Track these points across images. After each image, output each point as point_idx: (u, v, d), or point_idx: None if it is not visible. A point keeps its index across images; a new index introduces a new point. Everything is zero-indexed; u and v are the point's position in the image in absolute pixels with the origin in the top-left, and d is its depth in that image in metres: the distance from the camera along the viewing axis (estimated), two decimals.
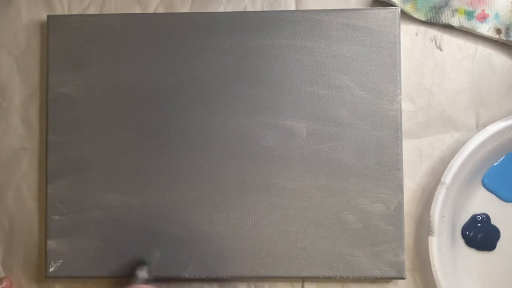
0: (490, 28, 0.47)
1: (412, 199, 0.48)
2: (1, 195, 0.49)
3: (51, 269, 0.47)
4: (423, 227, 0.47)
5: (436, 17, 0.48)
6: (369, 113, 0.47)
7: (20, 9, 0.50)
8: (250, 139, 0.47)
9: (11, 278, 0.48)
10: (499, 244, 0.47)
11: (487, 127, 0.45)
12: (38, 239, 0.49)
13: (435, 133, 0.48)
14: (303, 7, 0.49)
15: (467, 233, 0.47)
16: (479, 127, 0.48)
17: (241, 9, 0.50)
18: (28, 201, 0.49)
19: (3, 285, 0.47)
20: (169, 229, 0.47)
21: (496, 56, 0.48)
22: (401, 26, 0.48)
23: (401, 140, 0.47)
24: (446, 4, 0.47)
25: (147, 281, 0.45)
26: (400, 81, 0.47)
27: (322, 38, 0.47)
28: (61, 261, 0.47)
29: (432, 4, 0.48)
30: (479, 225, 0.47)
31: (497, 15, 0.47)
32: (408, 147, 0.48)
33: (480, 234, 0.47)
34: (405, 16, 0.48)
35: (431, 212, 0.45)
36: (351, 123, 0.47)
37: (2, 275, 0.49)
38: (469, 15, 0.47)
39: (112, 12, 0.50)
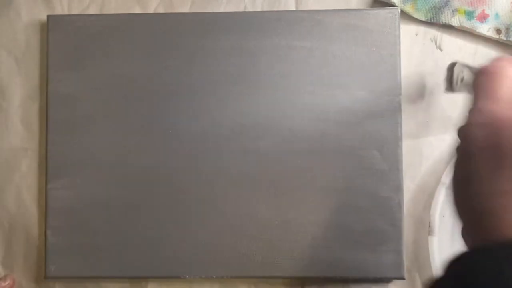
0: (490, 28, 0.47)
1: (412, 199, 0.48)
2: (1, 195, 0.49)
3: (50, 269, 0.47)
4: (423, 227, 0.47)
5: (436, 17, 0.48)
6: (369, 113, 0.47)
7: (20, 9, 0.50)
8: (250, 139, 0.47)
9: (13, 277, 0.48)
10: None
11: None
12: (38, 239, 0.49)
13: (435, 133, 0.48)
14: (303, 7, 0.49)
15: None
16: None
17: (241, 9, 0.50)
18: (28, 201, 0.49)
19: (6, 283, 0.47)
20: (169, 229, 0.47)
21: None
22: (401, 26, 0.48)
23: (401, 140, 0.47)
24: (446, 4, 0.47)
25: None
26: (400, 81, 0.47)
27: (322, 38, 0.47)
28: (61, 261, 0.47)
29: (432, 4, 0.48)
30: None
31: (497, 15, 0.47)
32: (408, 147, 0.48)
33: None
34: (405, 16, 0.48)
35: (431, 212, 0.45)
36: (351, 123, 0.47)
37: (2, 275, 0.49)
38: (469, 15, 0.47)
39: (112, 12, 0.50)
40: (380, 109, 0.47)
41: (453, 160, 0.32)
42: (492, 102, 0.31)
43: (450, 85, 0.42)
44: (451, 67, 0.43)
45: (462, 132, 0.31)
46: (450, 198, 0.32)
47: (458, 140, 0.32)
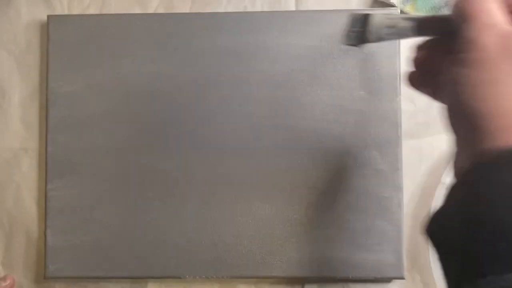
0: None
1: (412, 199, 0.48)
2: (1, 195, 0.49)
3: (50, 269, 0.47)
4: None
5: None
6: (369, 113, 0.47)
7: (20, 9, 0.50)
8: (250, 139, 0.47)
9: (13, 276, 0.48)
10: None
11: None
12: (37, 239, 0.49)
13: (435, 133, 0.48)
14: (303, 7, 0.49)
15: None
16: None
17: (241, 9, 0.50)
18: (28, 201, 0.49)
19: (7, 283, 0.47)
20: (170, 229, 0.47)
21: None
22: None
23: (401, 140, 0.47)
24: (446, 4, 0.48)
25: None
26: (400, 81, 0.47)
27: (322, 38, 0.47)
28: (61, 261, 0.47)
29: (432, 4, 0.48)
30: None
31: None
32: (408, 147, 0.48)
33: None
34: None
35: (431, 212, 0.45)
36: (351, 123, 0.47)
37: (2, 275, 0.49)
38: None
39: (112, 12, 0.50)
40: (380, 109, 0.47)
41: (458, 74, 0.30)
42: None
43: (362, 36, 0.38)
44: (362, 18, 0.38)
45: (470, 40, 0.30)
46: (445, 114, 0.31)
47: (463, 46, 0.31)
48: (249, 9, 0.50)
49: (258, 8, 0.50)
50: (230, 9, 0.50)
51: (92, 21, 0.48)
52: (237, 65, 0.47)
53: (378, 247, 0.46)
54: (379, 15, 0.37)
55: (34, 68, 0.50)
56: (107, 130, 0.48)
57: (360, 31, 0.38)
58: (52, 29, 0.48)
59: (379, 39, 0.37)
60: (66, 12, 0.50)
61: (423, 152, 0.48)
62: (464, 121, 0.30)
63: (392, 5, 0.48)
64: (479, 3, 0.30)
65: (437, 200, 0.45)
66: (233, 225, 0.47)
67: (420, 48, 0.35)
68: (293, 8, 0.49)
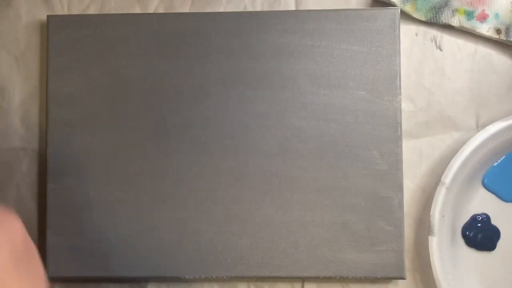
0: (490, 28, 0.47)
1: (412, 199, 0.48)
2: (1, 195, 0.49)
3: (51, 269, 0.47)
4: (423, 227, 0.47)
5: (436, 17, 0.48)
6: (369, 113, 0.47)
7: (20, 9, 0.50)
8: (250, 140, 0.47)
9: None
10: (499, 244, 0.47)
11: (487, 127, 0.45)
12: (37, 239, 0.49)
13: (435, 133, 0.48)
14: (303, 7, 0.49)
15: (467, 233, 0.47)
16: (479, 127, 0.48)
17: (241, 9, 0.50)
18: (28, 201, 0.49)
19: None
20: (170, 229, 0.47)
21: (496, 56, 0.48)
22: (401, 26, 0.48)
23: (401, 140, 0.47)
24: (446, 4, 0.47)
25: None
26: (400, 81, 0.47)
27: (322, 38, 0.47)
28: (61, 261, 0.47)
29: (432, 4, 0.48)
30: (479, 225, 0.47)
31: (497, 15, 0.47)
32: (408, 147, 0.48)
33: (480, 234, 0.47)
34: (405, 16, 0.48)
35: (431, 212, 0.45)
36: (350, 123, 0.47)
37: None
38: (469, 15, 0.47)
39: (112, 12, 0.50)
40: (380, 109, 0.47)
41: None
42: None
43: None
44: None
45: None
46: None
47: None
48: (249, 8, 0.50)
49: (258, 8, 0.50)
50: (230, 8, 0.50)
51: (92, 21, 0.48)
52: (237, 65, 0.47)
53: (378, 247, 0.46)
54: None
55: (34, 68, 0.50)
56: (107, 130, 0.48)
57: None
58: (52, 29, 0.48)
59: None
60: (66, 12, 0.50)
61: (423, 152, 0.48)
62: None
63: (392, 5, 0.48)
64: None
65: (437, 200, 0.45)
66: (233, 225, 0.47)
67: None
68: (293, 8, 0.49)
